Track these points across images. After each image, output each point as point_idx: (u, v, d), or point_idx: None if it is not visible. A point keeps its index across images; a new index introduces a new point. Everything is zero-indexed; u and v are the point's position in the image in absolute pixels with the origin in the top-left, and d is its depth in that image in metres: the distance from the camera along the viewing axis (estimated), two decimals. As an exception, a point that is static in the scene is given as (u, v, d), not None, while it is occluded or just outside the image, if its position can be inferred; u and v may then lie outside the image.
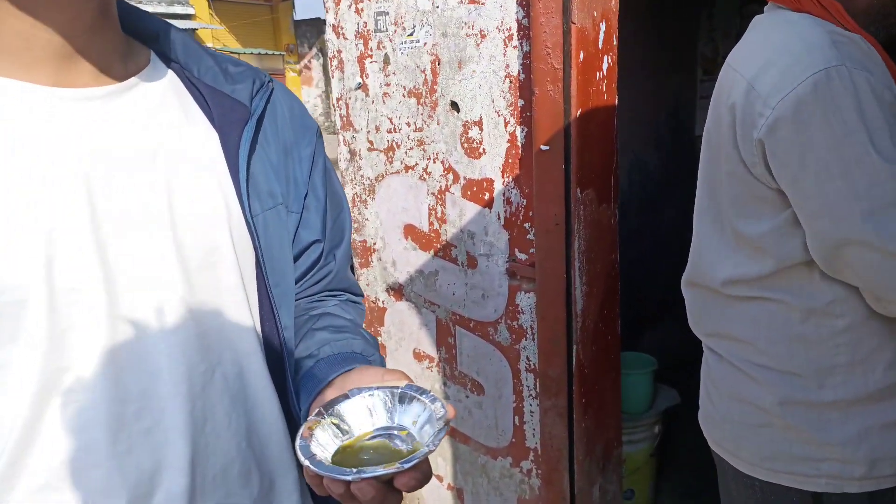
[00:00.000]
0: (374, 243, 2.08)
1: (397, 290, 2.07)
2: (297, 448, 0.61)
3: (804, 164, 0.99)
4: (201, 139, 0.75)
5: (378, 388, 0.68)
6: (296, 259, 0.87)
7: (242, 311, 0.75)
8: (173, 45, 0.78)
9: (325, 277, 0.91)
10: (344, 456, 0.63)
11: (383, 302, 2.11)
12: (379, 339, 2.15)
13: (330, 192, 0.89)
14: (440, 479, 2.11)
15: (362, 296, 0.98)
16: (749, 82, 1.05)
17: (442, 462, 2.08)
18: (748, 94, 1.05)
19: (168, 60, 0.78)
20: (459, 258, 1.92)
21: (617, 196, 1.84)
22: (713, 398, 1.30)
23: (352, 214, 2.10)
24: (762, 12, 1.19)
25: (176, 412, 0.68)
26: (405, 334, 2.07)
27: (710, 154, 1.23)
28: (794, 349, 1.12)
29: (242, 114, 0.76)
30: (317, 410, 0.67)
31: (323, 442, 0.64)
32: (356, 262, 2.14)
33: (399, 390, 0.68)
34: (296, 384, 0.79)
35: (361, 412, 0.67)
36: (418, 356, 2.06)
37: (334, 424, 0.66)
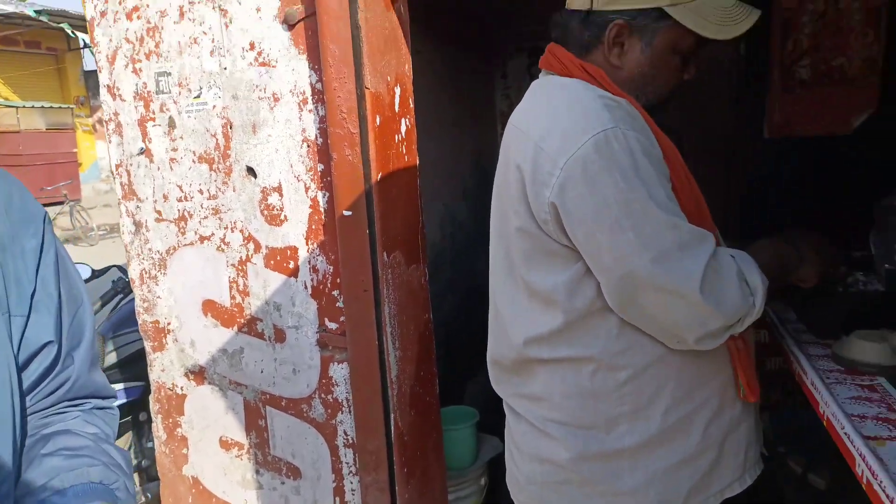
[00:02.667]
0: (169, 323, 1.87)
1: (198, 374, 1.87)
2: None
3: (598, 220, 1.05)
4: None
5: None
6: (24, 367, 0.71)
7: None
8: None
9: (64, 384, 0.76)
10: None
11: (182, 388, 1.90)
12: (180, 430, 1.92)
13: (65, 285, 0.76)
14: (260, 577, 1.91)
15: (114, 397, 0.84)
16: (536, 143, 1.10)
17: (260, 558, 1.89)
18: (537, 155, 1.09)
19: None
20: (266, 332, 1.78)
21: (425, 256, 1.84)
22: (516, 460, 1.32)
23: (141, 292, 1.88)
24: None
25: None
26: (210, 422, 1.87)
27: (500, 211, 1.26)
28: (585, 403, 1.17)
29: None
30: None
31: None
32: (148, 345, 1.90)
33: None
34: None
35: None
36: (225, 444, 1.87)
37: None
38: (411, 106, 1.73)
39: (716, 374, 1.19)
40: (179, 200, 1.78)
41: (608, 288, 1.10)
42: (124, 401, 2.60)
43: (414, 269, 1.78)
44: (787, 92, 1.96)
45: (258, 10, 1.57)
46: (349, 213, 1.56)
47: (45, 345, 0.72)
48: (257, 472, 1.82)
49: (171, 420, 1.92)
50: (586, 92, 1.12)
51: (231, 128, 1.68)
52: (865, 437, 0.99)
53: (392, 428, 1.70)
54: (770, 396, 2.37)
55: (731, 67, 2.19)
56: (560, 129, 1.08)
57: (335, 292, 1.68)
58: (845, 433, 1.01)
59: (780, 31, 1.91)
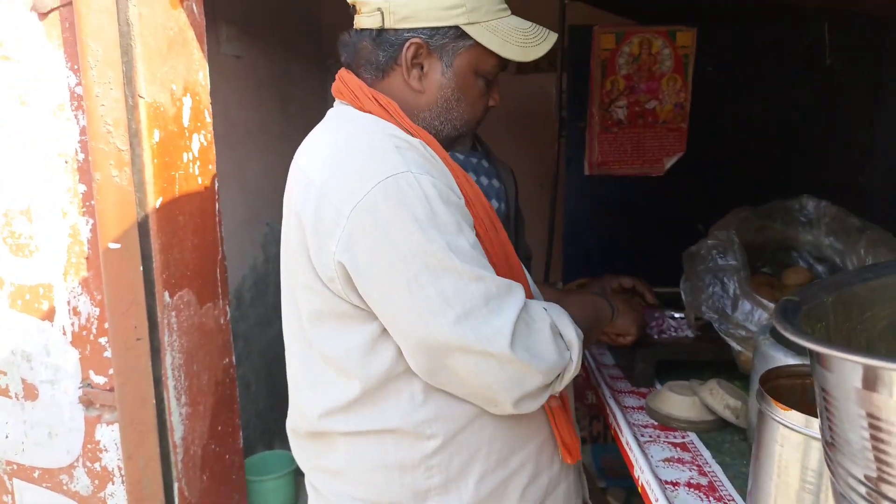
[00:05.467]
0: None
1: (-86, 442, 1.46)
2: None
3: (393, 277, 0.91)
4: None
5: None
6: None
7: None
8: None
9: None
10: None
11: None
12: None
13: None
14: None
15: None
16: (318, 187, 0.95)
17: None
18: (319, 201, 0.94)
19: None
20: (12, 388, 1.43)
21: (226, 291, 1.59)
22: None
23: None
24: None
25: None
26: (-72, 504, 1.48)
27: (285, 263, 1.09)
28: (390, 477, 1.04)
29: None
30: None
31: None
32: None
33: None
34: None
35: None
36: (-50, 533, 1.48)
37: None
38: (208, 119, 1.49)
39: (532, 436, 1.10)
40: None
41: (411, 353, 0.96)
42: None
43: (209, 307, 1.53)
44: (605, 131, 1.98)
45: (1, -11, 1.26)
46: (117, 245, 1.29)
47: None
48: (-10, 568, 1.46)
49: None
50: (374, 129, 0.99)
51: (-38, 134, 1.33)
52: (678, 510, 0.93)
53: (177, 499, 1.43)
54: (591, 429, 2.40)
55: (556, 102, 2.21)
56: (343, 171, 0.94)
57: (102, 339, 1.39)
58: (658, 507, 0.94)
59: (598, 70, 1.93)
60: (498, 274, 0.97)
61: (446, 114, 1.06)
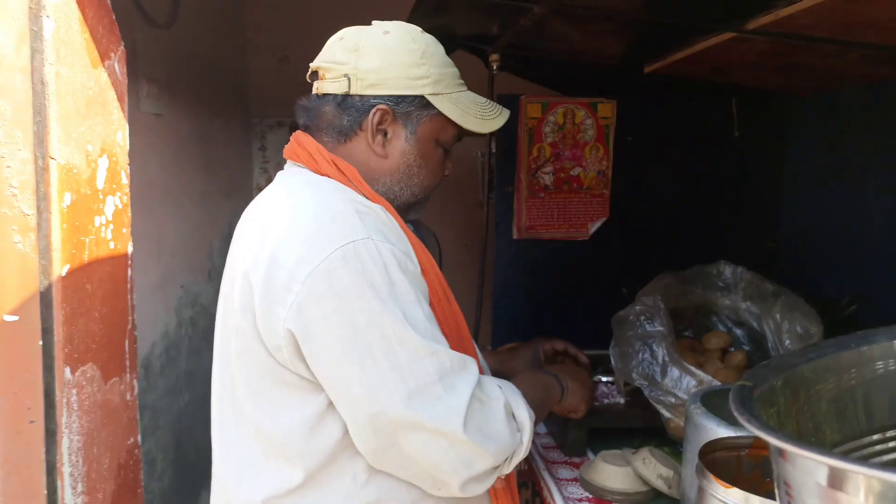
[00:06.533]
0: None
1: None
2: None
3: (346, 348, 0.87)
4: None
5: None
6: None
7: None
8: None
9: None
10: None
11: None
12: None
13: None
14: None
15: None
16: (272, 249, 0.91)
17: None
18: (271, 264, 0.90)
19: None
20: None
21: (134, 364, 1.48)
22: None
23: None
24: None
25: None
26: None
27: (222, 327, 1.03)
28: None
29: None
30: None
31: None
32: None
33: None
34: None
35: None
36: None
37: None
38: (124, 181, 1.41)
39: None
40: None
41: (358, 428, 0.91)
42: None
43: (115, 383, 1.41)
44: (532, 196, 2.02)
45: None
46: (14, 317, 1.17)
47: None
48: None
49: None
50: (335, 194, 0.97)
51: None
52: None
53: None
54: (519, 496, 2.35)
55: (482, 166, 2.25)
56: (302, 234, 0.91)
57: (-8, 422, 1.24)
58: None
59: (525, 137, 1.99)
60: (450, 346, 0.95)
61: (407, 179, 1.07)
